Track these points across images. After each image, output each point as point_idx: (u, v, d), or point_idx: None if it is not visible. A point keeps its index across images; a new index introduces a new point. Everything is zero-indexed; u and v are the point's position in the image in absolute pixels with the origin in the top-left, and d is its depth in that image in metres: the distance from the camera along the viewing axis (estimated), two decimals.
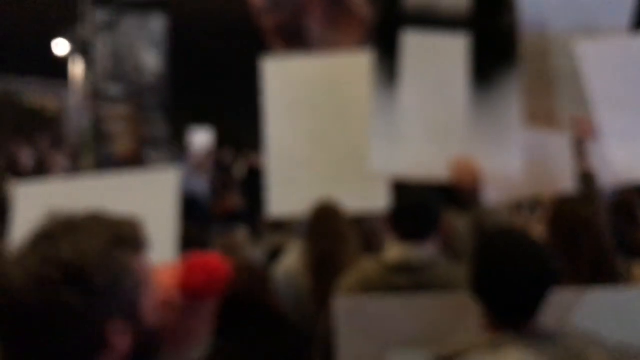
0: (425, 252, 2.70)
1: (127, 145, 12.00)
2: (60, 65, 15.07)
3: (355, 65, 3.59)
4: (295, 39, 6.55)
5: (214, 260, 1.80)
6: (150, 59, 12.47)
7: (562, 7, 3.40)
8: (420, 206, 2.78)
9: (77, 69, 13.69)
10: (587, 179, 3.28)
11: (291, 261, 3.60)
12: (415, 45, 3.30)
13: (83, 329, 1.26)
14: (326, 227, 3.38)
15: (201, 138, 11.02)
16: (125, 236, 1.34)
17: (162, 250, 2.54)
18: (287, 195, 3.70)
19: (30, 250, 1.28)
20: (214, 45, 16.12)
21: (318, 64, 3.85)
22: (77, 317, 1.25)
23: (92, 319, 1.27)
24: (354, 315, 2.37)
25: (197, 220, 7.53)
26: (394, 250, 2.73)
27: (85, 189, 2.81)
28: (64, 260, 1.24)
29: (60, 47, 15.60)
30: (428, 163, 3.15)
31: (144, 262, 1.37)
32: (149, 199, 2.72)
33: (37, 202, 2.66)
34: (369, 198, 3.45)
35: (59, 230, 1.31)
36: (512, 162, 3.17)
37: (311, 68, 3.84)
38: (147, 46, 12.38)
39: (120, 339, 1.29)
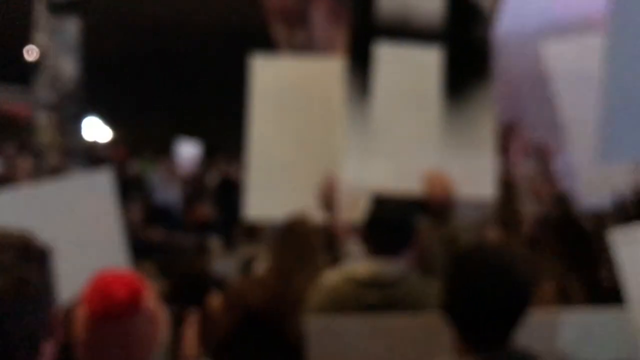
0: (397, 267, 2.66)
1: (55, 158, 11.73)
2: (30, 72, 14.88)
3: (341, 69, 3.49)
4: (297, 25, 6.55)
5: (119, 279, 1.72)
6: (67, 66, 12.23)
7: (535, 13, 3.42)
8: (394, 220, 2.75)
9: (47, 73, 13.53)
10: (561, 201, 3.30)
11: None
12: (389, 57, 3.29)
13: (42, 310, 1.25)
14: (293, 243, 3.28)
15: (188, 150, 10.95)
16: (30, 248, 1.29)
17: (111, 253, 2.50)
18: (266, 198, 3.65)
19: None
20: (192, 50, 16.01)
21: (305, 66, 3.83)
22: (38, 295, 1.24)
23: (48, 300, 1.26)
24: (325, 336, 2.35)
25: (170, 229, 7.49)
26: (365, 265, 2.70)
27: (25, 198, 2.74)
28: (16, 245, 1.24)
29: (31, 53, 15.40)
30: (401, 176, 3.13)
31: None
32: (89, 203, 2.70)
33: None
34: None
35: None
36: (485, 176, 3.16)
37: (298, 70, 3.80)
38: (63, 52, 12.14)
39: (58, 330, 1.29)
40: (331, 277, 2.79)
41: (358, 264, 2.76)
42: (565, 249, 2.84)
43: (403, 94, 3.28)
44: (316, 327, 2.38)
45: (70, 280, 1.62)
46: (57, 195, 2.70)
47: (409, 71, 3.29)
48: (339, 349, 2.36)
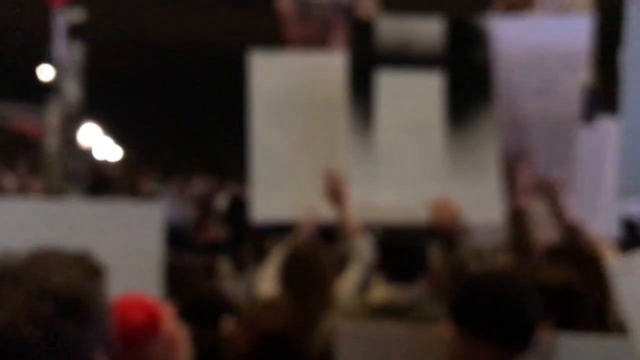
0: (410, 294, 2.68)
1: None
2: (44, 91, 15.05)
3: (342, 64, 3.42)
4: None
5: (137, 305, 1.74)
6: (72, 88, 12.34)
7: (523, 39, 3.42)
8: (409, 248, 2.77)
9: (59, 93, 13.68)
10: (572, 232, 3.30)
11: (267, 290, 3.53)
12: (390, 85, 3.27)
13: (98, 328, 1.28)
14: (302, 267, 3.23)
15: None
16: (93, 267, 1.35)
17: (146, 283, 2.52)
18: (272, 199, 3.61)
19: (9, 288, 1.25)
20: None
21: (306, 62, 3.72)
22: (71, 348, 1.25)
23: (84, 350, 1.27)
24: (355, 343, 2.36)
25: (179, 250, 7.51)
26: (381, 291, 2.72)
27: (73, 214, 2.78)
28: (55, 293, 1.24)
29: (46, 73, 15.58)
30: (408, 205, 3.11)
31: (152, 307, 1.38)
32: (134, 231, 2.72)
33: (19, 222, 2.66)
34: None
35: (34, 266, 1.29)
36: (492, 200, 3.15)
37: (299, 66, 3.71)
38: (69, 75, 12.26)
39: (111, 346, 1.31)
40: (347, 304, 2.82)
41: (374, 290, 2.77)
42: (576, 277, 2.85)
43: (406, 121, 3.26)
44: (347, 333, 2.40)
45: None
46: (105, 217, 2.73)
47: (411, 98, 3.27)
48: (368, 355, 2.37)
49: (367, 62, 3.30)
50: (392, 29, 3.30)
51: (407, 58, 3.28)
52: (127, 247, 2.70)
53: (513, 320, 1.95)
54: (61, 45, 12.10)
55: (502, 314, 1.94)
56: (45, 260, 1.31)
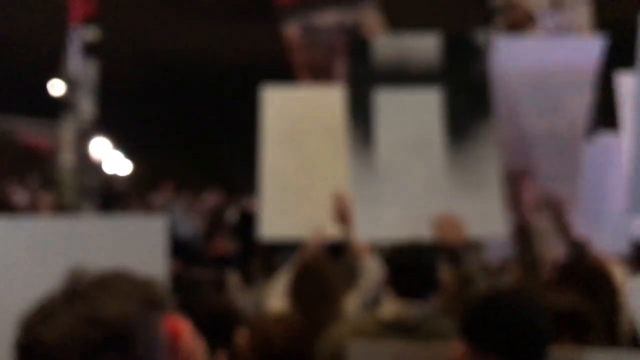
0: (421, 310, 2.68)
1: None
2: (55, 106, 15.17)
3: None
4: (323, 78, 6.70)
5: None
6: (86, 105, 12.46)
7: (528, 57, 3.43)
8: (419, 265, 2.76)
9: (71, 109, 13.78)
10: (579, 248, 3.31)
11: (276, 306, 3.56)
12: (389, 103, 3.28)
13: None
14: (311, 283, 3.25)
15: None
16: (154, 297, 1.32)
17: None
18: (280, 218, 3.70)
19: (65, 308, 1.24)
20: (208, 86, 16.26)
21: (315, 94, 3.88)
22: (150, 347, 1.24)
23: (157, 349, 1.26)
24: (366, 358, 2.38)
25: (189, 263, 7.54)
26: (391, 307, 2.72)
27: (76, 229, 2.83)
28: (105, 321, 1.21)
29: (56, 87, 15.72)
30: (411, 222, 3.11)
31: (169, 323, 1.35)
32: (138, 245, 2.76)
33: (32, 240, 2.71)
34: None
35: (93, 289, 1.28)
36: (495, 214, 3.15)
37: (308, 98, 3.87)
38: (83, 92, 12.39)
39: None
40: (357, 320, 2.82)
41: (385, 307, 2.77)
42: (584, 294, 2.86)
43: (406, 138, 3.27)
44: (357, 349, 2.42)
45: None
46: (110, 233, 2.78)
47: (411, 115, 3.28)
48: None
49: (365, 81, 3.33)
50: (388, 47, 3.33)
51: (405, 75, 3.30)
52: (132, 260, 2.76)
53: (525, 338, 1.97)
54: (76, 61, 12.23)
55: (514, 332, 1.96)
56: (106, 285, 1.28)
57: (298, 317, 2.78)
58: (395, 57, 3.31)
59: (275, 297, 3.63)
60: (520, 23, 5.81)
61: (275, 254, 5.78)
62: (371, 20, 7.70)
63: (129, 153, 20.60)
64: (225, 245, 8.36)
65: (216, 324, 2.82)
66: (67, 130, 12.66)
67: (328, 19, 7.38)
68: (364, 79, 3.33)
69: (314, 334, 2.75)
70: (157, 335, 1.29)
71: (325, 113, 3.63)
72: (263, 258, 6.02)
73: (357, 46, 3.42)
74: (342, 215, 3.38)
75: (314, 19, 7.44)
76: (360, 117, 3.31)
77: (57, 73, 14.35)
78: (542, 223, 3.43)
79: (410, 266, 2.75)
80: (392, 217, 3.14)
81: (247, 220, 8.73)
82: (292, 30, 7.34)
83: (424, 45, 3.29)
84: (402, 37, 3.33)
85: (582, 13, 6.14)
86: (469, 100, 3.25)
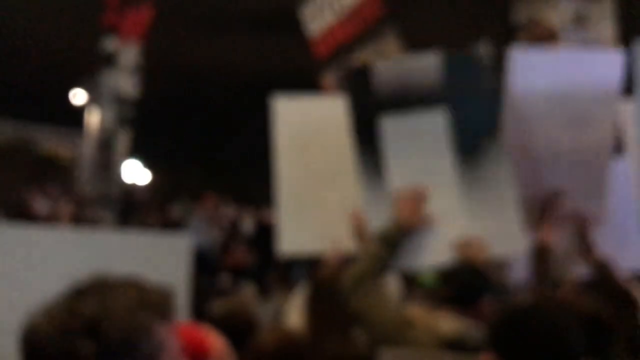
0: (480, 331, 2.58)
1: None
2: (76, 115, 15.34)
3: None
4: None
5: (189, 334, 1.79)
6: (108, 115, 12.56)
7: (550, 71, 3.34)
8: (472, 281, 2.76)
9: (92, 118, 13.93)
10: (602, 268, 3.27)
11: (295, 321, 3.56)
12: (394, 129, 3.23)
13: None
14: (325, 301, 3.24)
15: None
16: (152, 302, 1.40)
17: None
18: (298, 232, 3.67)
19: (60, 302, 1.36)
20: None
21: (328, 104, 3.80)
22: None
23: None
24: None
25: (205, 273, 7.58)
26: (451, 324, 2.68)
27: (101, 243, 2.86)
28: (86, 314, 1.32)
29: (78, 96, 15.91)
30: (431, 248, 3.08)
31: (171, 331, 1.42)
32: (160, 261, 2.78)
33: (51, 250, 2.74)
34: None
35: (92, 288, 1.39)
36: (514, 231, 3.08)
37: (321, 108, 3.82)
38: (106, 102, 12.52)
39: None
40: (419, 332, 2.75)
41: (440, 319, 2.73)
42: (609, 314, 2.84)
43: (415, 162, 3.21)
44: (390, 358, 2.42)
45: None
46: (133, 247, 2.81)
47: (418, 139, 3.21)
48: None
49: (369, 109, 3.28)
50: (389, 72, 3.27)
51: (408, 99, 3.23)
52: (155, 275, 2.78)
53: (556, 350, 1.96)
54: (102, 71, 12.39)
55: (545, 344, 1.96)
56: (107, 286, 1.39)
57: (306, 336, 2.79)
58: (396, 82, 3.25)
59: (294, 312, 3.65)
60: (543, 39, 5.75)
61: (291, 267, 5.81)
62: (391, 46, 7.78)
63: (148, 162, 20.76)
64: (242, 256, 8.39)
65: (232, 334, 2.85)
66: (88, 140, 12.80)
67: (362, 58, 7.57)
68: (367, 107, 3.28)
69: (330, 351, 2.76)
70: (143, 335, 1.35)
71: (340, 122, 3.51)
72: (280, 271, 6.05)
73: (356, 75, 3.38)
74: (361, 233, 3.38)
75: (349, 62, 7.62)
76: (367, 146, 3.28)
77: (79, 82, 14.53)
78: (563, 243, 3.36)
79: (463, 282, 2.72)
80: (410, 243, 3.09)
81: (264, 232, 8.77)
82: (330, 79, 7.53)
83: (425, 66, 3.23)
84: (402, 60, 3.28)
85: (606, 29, 6.04)
86: (476, 118, 3.18)
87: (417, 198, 3.11)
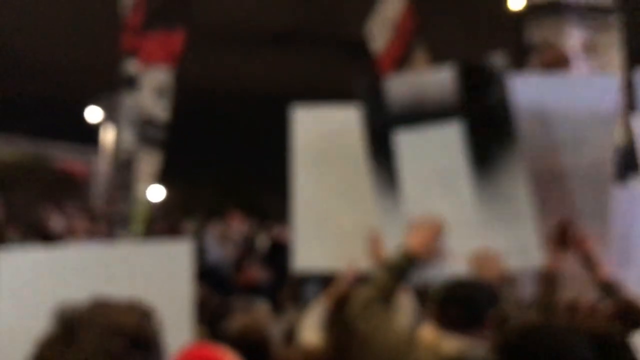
0: (482, 349, 2.55)
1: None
2: (91, 132, 15.48)
3: None
4: None
5: (208, 356, 1.87)
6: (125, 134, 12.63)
7: (547, 87, 3.38)
8: (469, 299, 2.71)
9: (108, 136, 14.03)
10: (608, 288, 3.25)
11: (310, 338, 3.55)
12: (410, 143, 3.22)
13: None
14: (345, 326, 3.14)
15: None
16: (145, 309, 1.52)
17: (176, 326, 2.56)
18: (313, 248, 3.65)
19: (85, 326, 1.41)
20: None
21: (347, 116, 3.71)
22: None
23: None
24: None
25: (219, 291, 7.56)
26: (450, 341, 2.64)
27: (102, 257, 2.87)
28: (126, 331, 1.41)
29: (93, 114, 16.05)
30: (446, 260, 3.07)
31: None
32: (164, 269, 2.80)
33: (49, 271, 2.75)
34: None
35: (99, 310, 1.45)
36: (529, 243, 3.06)
37: (340, 120, 3.76)
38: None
39: None
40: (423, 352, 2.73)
41: (443, 339, 2.69)
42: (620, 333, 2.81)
43: (431, 176, 3.21)
44: None
45: None
46: (136, 257, 2.83)
47: (433, 152, 3.21)
48: None
49: (383, 124, 3.27)
50: (402, 86, 3.27)
51: (422, 112, 3.21)
52: (159, 283, 2.75)
53: None
54: (122, 92, 12.46)
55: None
56: (106, 306, 1.47)
57: (323, 349, 2.77)
58: (409, 95, 3.24)
59: (309, 330, 3.64)
60: (555, 63, 5.78)
61: (303, 285, 5.79)
62: (420, 58, 7.83)
63: (161, 179, 20.86)
64: (256, 273, 8.38)
65: (247, 352, 2.84)
66: (103, 158, 12.87)
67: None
68: (381, 121, 3.28)
69: None
70: (162, 337, 1.48)
71: (358, 135, 3.48)
72: (291, 288, 6.03)
73: (369, 89, 3.36)
74: (377, 253, 3.37)
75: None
76: (382, 160, 3.27)
77: (95, 100, 14.67)
78: (568, 264, 3.34)
79: (459, 300, 2.70)
80: (420, 270, 3.07)
81: (278, 250, 8.76)
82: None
83: (438, 79, 3.21)
84: (414, 73, 3.28)
85: (615, 58, 6.16)
86: (490, 130, 3.14)
87: (432, 230, 3.11)
